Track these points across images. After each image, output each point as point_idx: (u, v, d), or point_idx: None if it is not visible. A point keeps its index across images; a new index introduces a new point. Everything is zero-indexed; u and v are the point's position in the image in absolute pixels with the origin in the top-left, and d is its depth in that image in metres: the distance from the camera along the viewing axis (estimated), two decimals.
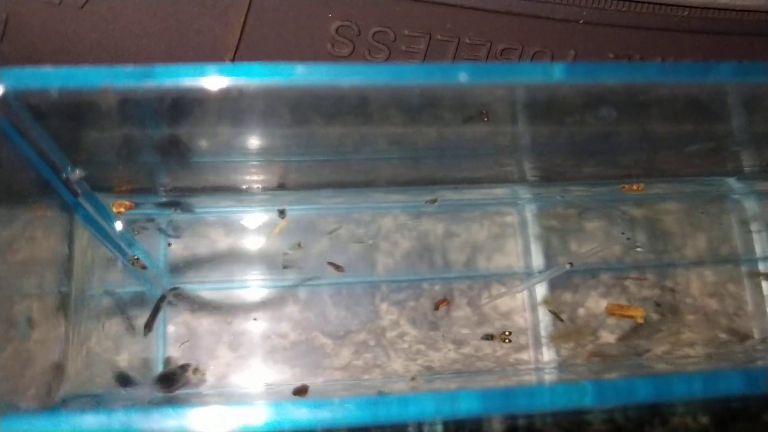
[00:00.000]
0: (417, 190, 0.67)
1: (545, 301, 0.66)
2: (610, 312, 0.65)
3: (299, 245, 0.67)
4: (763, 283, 0.70)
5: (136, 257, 0.57)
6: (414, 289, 0.68)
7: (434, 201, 0.65)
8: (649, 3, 0.50)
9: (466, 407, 0.37)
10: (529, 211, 0.70)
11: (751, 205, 0.72)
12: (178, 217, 0.65)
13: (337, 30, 0.51)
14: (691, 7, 0.51)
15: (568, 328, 0.67)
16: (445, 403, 0.37)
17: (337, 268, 0.65)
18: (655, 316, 0.70)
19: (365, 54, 0.50)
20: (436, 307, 0.65)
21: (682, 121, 0.53)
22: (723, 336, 0.69)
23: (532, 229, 0.69)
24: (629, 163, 0.64)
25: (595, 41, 0.51)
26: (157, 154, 0.42)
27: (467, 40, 0.51)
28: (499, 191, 0.70)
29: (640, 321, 0.64)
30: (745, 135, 0.60)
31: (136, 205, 0.55)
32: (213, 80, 0.34)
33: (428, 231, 0.70)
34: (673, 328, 0.69)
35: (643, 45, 0.51)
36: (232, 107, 0.36)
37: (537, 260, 0.69)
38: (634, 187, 0.65)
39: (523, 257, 0.69)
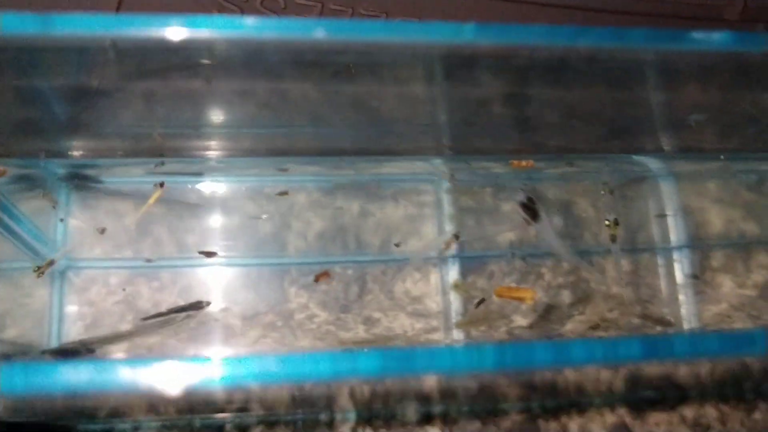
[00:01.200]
0: (331, 162, 0.66)
1: (455, 286, 0.65)
2: (498, 294, 0.64)
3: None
4: (677, 272, 0.70)
5: None
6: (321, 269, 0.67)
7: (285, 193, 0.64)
8: None
9: (365, 366, 0.37)
10: (445, 190, 0.69)
11: (668, 189, 0.72)
12: (75, 187, 0.63)
13: None
14: None
15: (477, 313, 0.66)
16: (343, 362, 0.37)
17: (208, 254, 0.64)
18: (568, 302, 0.69)
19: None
20: (316, 279, 0.64)
21: (596, 91, 0.52)
22: (637, 321, 0.69)
23: (447, 209, 0.68)
24: (542, 140, 0.64)
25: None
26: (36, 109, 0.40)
27: (362, 10, 0.50)
28: (417, 166, 0.69)
29: (530, 302, 0.63)
30: (660, 109, 0.60)
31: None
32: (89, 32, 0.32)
33: (343, 210, 0.69)
34: (587, 314, 0.69)
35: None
36: (112, 62, 0.35)
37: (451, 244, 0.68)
38: (523, 163, 0.64)
39: (439, 239, 0.68)
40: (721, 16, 0.54)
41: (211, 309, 0.64)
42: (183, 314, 0.63)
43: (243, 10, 0.51)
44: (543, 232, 0.65)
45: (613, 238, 0.67)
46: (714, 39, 0.46)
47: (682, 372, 0.61)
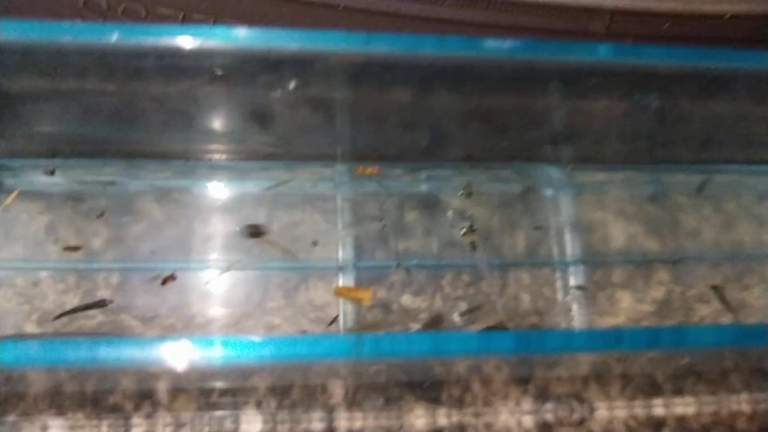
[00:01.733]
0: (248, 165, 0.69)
1: (337, 292, 0.67)
2: (337, 294, 0.66)
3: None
4: (572, 284, 0.72)
5: None
6: (230, 277, 0.69)
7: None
8: None
9: (245, 353, 0.43)
10: (346, 197, 0.71)
11: (566, 200, 0.74)
12: None
13: (84, 3, 0.53)
14: None
15: (370, 320, 0.68)
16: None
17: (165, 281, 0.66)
18: (462, 312, 0.71)
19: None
20: (164, 282, 0.66)
21: (495, 98, 0.55)
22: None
23: (348, 216, 0.71)
24: (440, 148, 0.66)
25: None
26: None
27: (225, 20, 0.53)
28: (323, 171, 0.71)
29: (366, 303, 0.65)
30: (559, 120, 0.62)
31: None
32: None
33: (251, 216, 0.71)
34: (481, 324, 0.71)
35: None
36: None
37: (348, 253, 0.70)
38: (368, 170, 0.67)
39: (340, 248, 0.70)
40: (587, 30, 0.56)
41: (112, 309, 0.66)
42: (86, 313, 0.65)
43: (105, 18, 0.53)
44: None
45: (473, 245, 0.69)
46: (601, 51, 0.48)
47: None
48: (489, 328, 0.67)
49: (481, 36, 0.48)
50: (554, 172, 0.74)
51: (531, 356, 0.57)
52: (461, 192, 0.72)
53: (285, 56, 0.44)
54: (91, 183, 0.68)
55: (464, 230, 0.69)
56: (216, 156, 0.66)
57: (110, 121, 0.56)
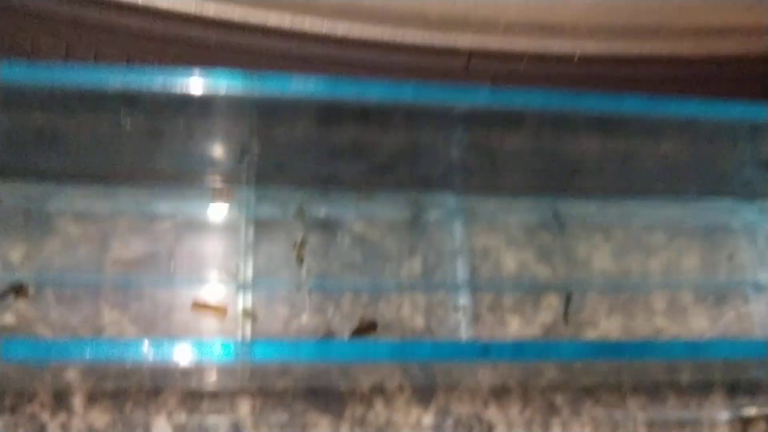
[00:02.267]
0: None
1: (245, 313, 0.72)
2: (195, 307, 0.71)
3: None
4: (461, 306, 0.77)
5: None
6: (137, 292, 0.74)
7: None
8: None
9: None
10: (247, 218, 0.76)
11: (458, 227, 0.80)
12: None
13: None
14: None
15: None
16: None
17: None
18: (355, 329, 0.76)
19: None
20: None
21: (380, 135, 0.61)
22: None
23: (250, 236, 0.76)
24: (335, 173, 0.72)
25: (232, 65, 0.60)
26: None
27: (104, 54, 0.59)
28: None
29: (222, 317, 0.70)
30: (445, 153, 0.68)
31: None
32: None
33: (160, 235, 0.76)
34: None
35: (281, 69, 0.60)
36: None
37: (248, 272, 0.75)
38: (224, 194, 0.72)
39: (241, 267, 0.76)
40: (446, 68, 0.62)
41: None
42: None
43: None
44: None
45: (300, 259, 0.74)
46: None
47: None
48: (359, 330, 0.71)
49: (342, 73, 0.54)
50: (447, 199, 0.79)
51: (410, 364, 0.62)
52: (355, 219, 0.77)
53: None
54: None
55: (295, 244, 0.74)
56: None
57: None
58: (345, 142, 0.63)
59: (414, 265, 0.79)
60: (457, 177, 0.74)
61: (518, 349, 0.60)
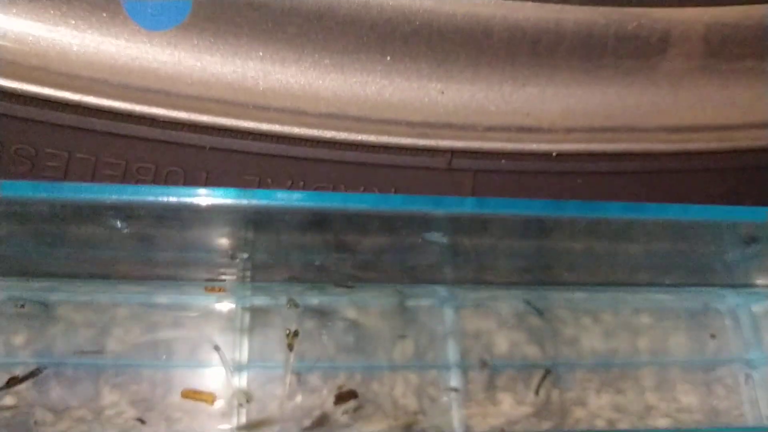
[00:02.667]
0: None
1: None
2: (184, 395, 0.73)
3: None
4: (453, 386, 0.80)
5: None
6: (135, 374, 0.77)
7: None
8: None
9: None
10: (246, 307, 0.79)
11: (449, 313, 0.82)
12: None
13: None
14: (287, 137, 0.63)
15: (261, 418, 0.76)
16: None
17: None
18: (351, 410, 0.78)
19: (10, 166, 0.62)
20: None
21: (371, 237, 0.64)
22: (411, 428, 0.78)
23: (246, 322, 0.79)
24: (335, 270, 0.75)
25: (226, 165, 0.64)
26: None
27: (104, 159, 0.63)
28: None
29: (211, 404, 0.72)
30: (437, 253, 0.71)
31: None
32: None
33: (157, 323, 0.80)
34: (368, 422, 0.78)
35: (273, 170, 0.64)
36: None
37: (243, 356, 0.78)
38: (216, 289, 0.75)
39: (237, 351, 0.79)
40: (429, 166, 0.66)
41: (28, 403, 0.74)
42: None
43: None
44: None
45: (291, 347, 0.77)
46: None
47: None
48: (341, 396, 0.74)
49: (329, 172, 0.58)
50: (439, 290, 0.82)
51: None
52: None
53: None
54: None
55: (288, 332, 0.77)
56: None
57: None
58: (330, 243, 0.66)
59: (407, 348, 0.81)
60: (445, 271, 0.77)
61: None
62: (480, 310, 0.84)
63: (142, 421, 0.74)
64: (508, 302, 0.85)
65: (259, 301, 0.79)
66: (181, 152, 0.63)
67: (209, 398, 0.73)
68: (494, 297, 0.84)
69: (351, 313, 0.81)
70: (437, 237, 0.58)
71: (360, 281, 0.76)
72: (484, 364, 0.79)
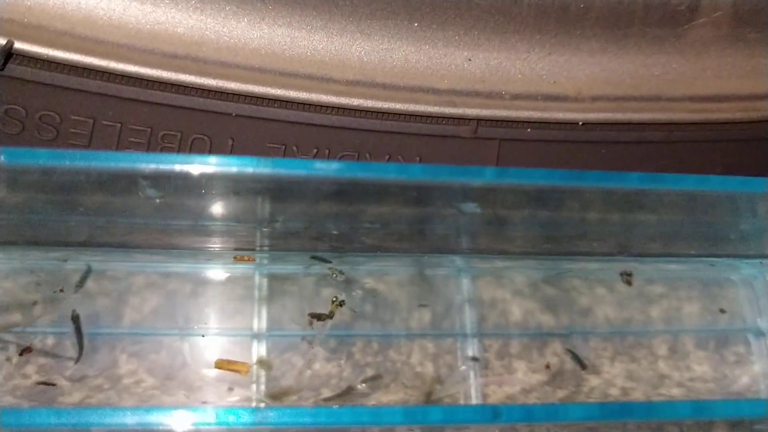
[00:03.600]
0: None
1: (260, 362, 0.74)
2: (218, 366, 0.73)
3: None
4: (470, 355, 0.80)
5: None
6: (155, 343, 0.77)
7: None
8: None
9: None
10: (265, 275, 0.79)
11: (467, 283, 0.82)
12: None
13: (6, 112, 0.62)
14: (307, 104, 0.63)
15: (288, 386, 0.76)
16: None
17: None
18: (367, 382, 0.78)
19: (35, 133, 0.62)
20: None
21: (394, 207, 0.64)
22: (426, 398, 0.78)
23: (265, 291, 0.79)
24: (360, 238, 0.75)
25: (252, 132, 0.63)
26: None
27: (130, 126, 0.63)
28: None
29: (245, 374, 0.72)
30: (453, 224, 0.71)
31: None
32: None
33: (176, 290, 0.79)
34: (386, 392, 0.78)
35: (299, 138, 0.63)
36: None
37: (262, 323, 0.78)
38: (245, 258, 0.75)
39: (256, 319, 0.78)
40: (456, 134, 0.65)
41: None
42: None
43: (24, 125, 0.63)
44: None
45: (332, 315, 0.77)
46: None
47: None
48: (367, 379, 0.74)
49: (354, 139, 0.57)
50: (457, 260, 0.82)
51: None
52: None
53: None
54: None
55: (334, 300, 0.77)
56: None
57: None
58: (355, 213, 0.66)
59: (424, 316, 0.82)
60: (463, 241, 0.77)
61: (528, 413, 0.62)
62: (496, 280, 0.84)
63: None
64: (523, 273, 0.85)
65: (280, 269, 0.79)
66: (206, 119, 0.62)
67: (243, 368, 0.73)
68: (510, 267, 0.84)
69: (370, 283, 0.81)
70: (472, 208, 0.58)
71: (380, 250, 0.76)
72: None
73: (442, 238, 0.76)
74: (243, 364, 0.73)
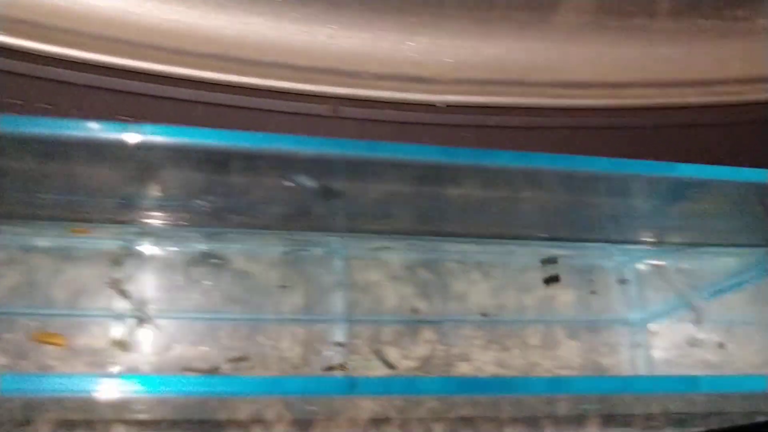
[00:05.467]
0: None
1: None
2: (35, 338, 0.72)
3: None
4: (341, 339, 0.78)
5: None
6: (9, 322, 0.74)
7: None
8: None
9: None
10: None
11: (342, 264, 0.81)
12: None
13: None
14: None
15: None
16: None
17: None
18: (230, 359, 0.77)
19: None
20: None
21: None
22: None
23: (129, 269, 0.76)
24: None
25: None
26: None
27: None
28: None
29: (62, 345, 0.71)
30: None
31: None
32: None
33: (37, 265, 0.76)
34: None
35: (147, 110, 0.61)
36: None
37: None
38: (82, 230, 0.73)
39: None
40: (317, 113, 0.64)
41: None
42: None
43: None
44: None
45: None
46: None
47: None
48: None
49: (210, 115, 0.55)
50: (330, 239, 0.81)
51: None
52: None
53: None
54: None
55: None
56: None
57: None
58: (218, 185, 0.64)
59: (295, 299, 0.80)
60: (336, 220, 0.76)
61: (385, 385, 0.61)
62: (370, 261, 0.83)
63: None
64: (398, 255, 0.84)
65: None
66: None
67: (59, 341, 0.71)
68: (386, 248, 0.83)
69: (240, 263, 0.79)
70: (305, 180, 0.57)
71: (247, 227, 0.74)
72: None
73: (313, 216, 0.74)
74: (60, 336, 0.71)
